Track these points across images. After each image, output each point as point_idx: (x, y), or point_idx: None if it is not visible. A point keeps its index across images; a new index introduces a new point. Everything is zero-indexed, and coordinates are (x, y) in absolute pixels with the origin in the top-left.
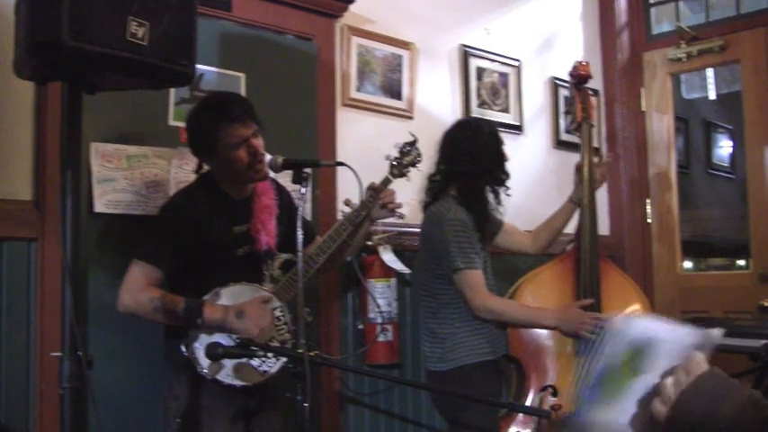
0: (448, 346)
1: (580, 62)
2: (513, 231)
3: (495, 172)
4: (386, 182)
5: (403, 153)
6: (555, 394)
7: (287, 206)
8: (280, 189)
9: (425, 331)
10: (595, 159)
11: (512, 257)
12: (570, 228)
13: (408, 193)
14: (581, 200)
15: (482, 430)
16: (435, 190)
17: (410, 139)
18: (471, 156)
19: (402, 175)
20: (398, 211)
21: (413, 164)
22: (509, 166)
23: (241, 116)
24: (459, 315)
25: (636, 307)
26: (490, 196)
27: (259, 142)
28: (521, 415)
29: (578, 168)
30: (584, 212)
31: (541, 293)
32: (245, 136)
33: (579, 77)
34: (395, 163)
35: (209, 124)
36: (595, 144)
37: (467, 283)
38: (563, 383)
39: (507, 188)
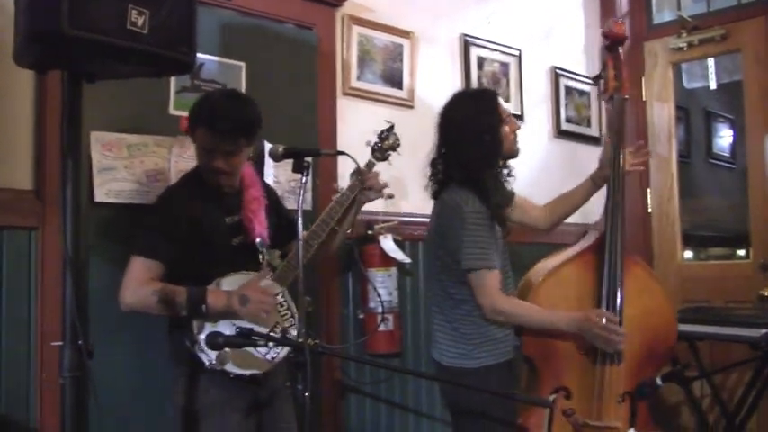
0: (474, 345)
1: (615, 20)
2: (525, 205)
3: (491, 156)
4: (370, 165)
5: (382, 138)
6: (568, 397)
7: (273, 201)
8: (264, 184)
9: (443, 325)
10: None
11: (519, 247)
12: (578, 217)
13: (392, 177)
14: (604, 181)
15: (506, 423)
16: (440, 176)
17: (387, 125)
18: (468, 139)
19: (384, 158)
20: (385, 191)
21: (392, 148)
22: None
23: (223, 131)
24: (482, 313)
25: (659, 304)
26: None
27: (232, 161)
28: (536, 417)
29: (606, 147)
30: (611, 202)
31: (561, 290)
32: (215, 146)
33: (613, 38)
34: (375, 147)
35: (197, 116)
36: (596, 133)
37: (480, 284)
38: (577, 386)
39: (509, 170)
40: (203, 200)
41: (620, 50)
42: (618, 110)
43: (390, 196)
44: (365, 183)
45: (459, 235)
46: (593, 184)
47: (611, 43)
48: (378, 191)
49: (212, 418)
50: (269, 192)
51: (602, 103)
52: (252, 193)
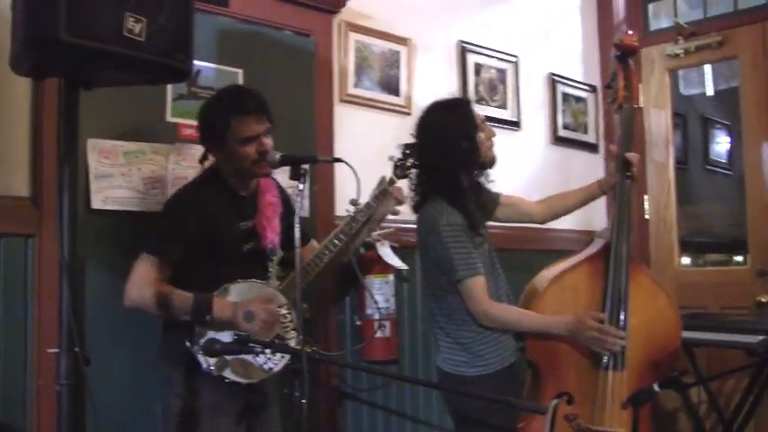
0: (473, 354)
1: (626, 32)
2: (513, 203)
3: (469, 162)
4: (390, 182)
5: (405, 155)
6: (570, 402)
7: (286, 204)
8: (279, 187)
9: (441, 334)
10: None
11: (521, 254)
12: (583, 224)
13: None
14: (609, 188)
15: (508, 430)
16: (421, 187)
17: (412, 141)
18: (439, 148)
19: (405, 176)
20: (398, 207)
21: (414, 166)
22: (504, 161)
23: (255, 111)
24: (476, 321)
25: (664, 313)
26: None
27: (269, 141)
28: (537, 422)
29: (615, 157)
30: (621, 211)
31: (566, 296)
32: (256, 132)
33: (624, 49)
34: (398, 164)
35: (223, 114)
36: (593, 139)
37: (468, 293)
38: (579, 391)
39: (488, 176)
40: (219, 203)
41: (631, 61)
42: (627, 119)
43: (396, 213)
44: (389, 195)
45: (437, 249)
46: (599, 189)
47: (621, 54)
48: (398, 203)
49: (204, 422)
50: (282, 194)
51: (600, 110)
52: (267, 198)
